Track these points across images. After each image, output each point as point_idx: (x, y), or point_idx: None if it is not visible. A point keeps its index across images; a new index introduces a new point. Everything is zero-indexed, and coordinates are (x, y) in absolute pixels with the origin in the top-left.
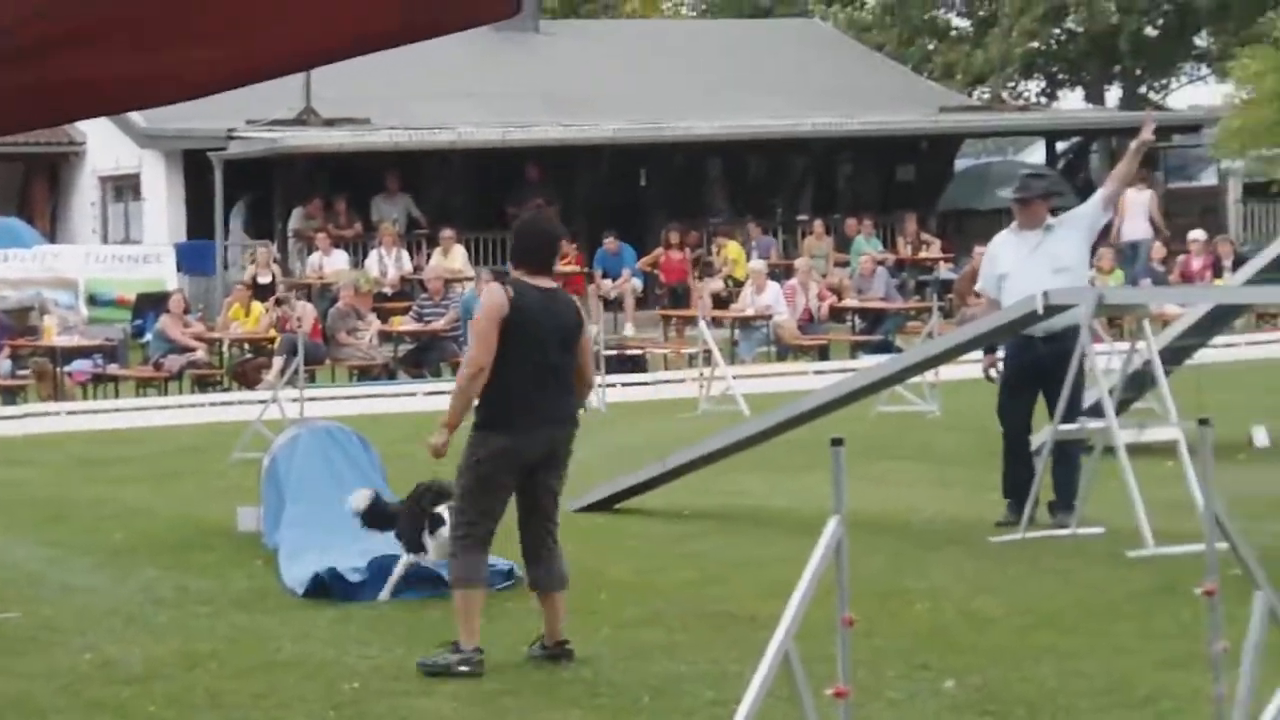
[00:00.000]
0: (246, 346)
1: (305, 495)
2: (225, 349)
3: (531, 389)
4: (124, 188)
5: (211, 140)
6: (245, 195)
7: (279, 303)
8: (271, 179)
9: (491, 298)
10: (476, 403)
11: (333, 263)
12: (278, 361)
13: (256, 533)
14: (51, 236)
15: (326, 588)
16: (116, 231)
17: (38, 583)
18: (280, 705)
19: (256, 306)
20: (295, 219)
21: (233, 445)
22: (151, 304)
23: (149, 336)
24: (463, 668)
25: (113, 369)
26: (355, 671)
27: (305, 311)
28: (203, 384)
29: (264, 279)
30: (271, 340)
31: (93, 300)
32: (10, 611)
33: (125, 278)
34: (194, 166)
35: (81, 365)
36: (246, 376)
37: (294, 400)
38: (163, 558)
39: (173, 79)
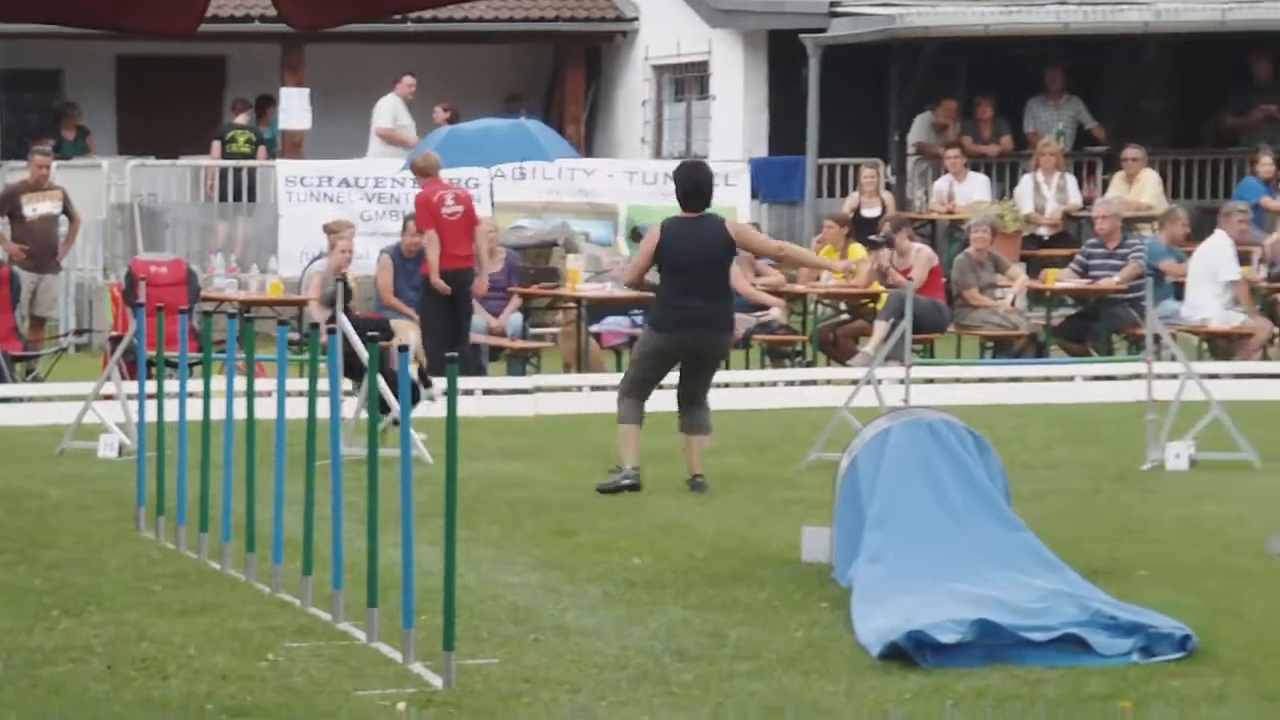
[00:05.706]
0: (841, 305)
1: (893, 516)
2: (811, 307)
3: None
4: (686, 81)
5: (808, 18)
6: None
7: (886, 244)
8: (887, 73)
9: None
10: None
11: (967, 191)
12: (880, 327)
13: (826, 564)
14: (586, 146)
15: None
16: (674, 142)
17: (525, 618)
18: None
19: (856, 249)
20: (918, 128)
21: (811, 440)
22: None
23: None
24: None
25: None
26: None
27: (921, 258)
28: (776, 355)
29: (870, 211)
30: (874, 296)
31: (636, 235)
32: (488, 656)
33: None
34: (782, 54)
35: (615, 324)
36: (837, 346)
37: (898, 381)
38: (695, 593)
39: None
